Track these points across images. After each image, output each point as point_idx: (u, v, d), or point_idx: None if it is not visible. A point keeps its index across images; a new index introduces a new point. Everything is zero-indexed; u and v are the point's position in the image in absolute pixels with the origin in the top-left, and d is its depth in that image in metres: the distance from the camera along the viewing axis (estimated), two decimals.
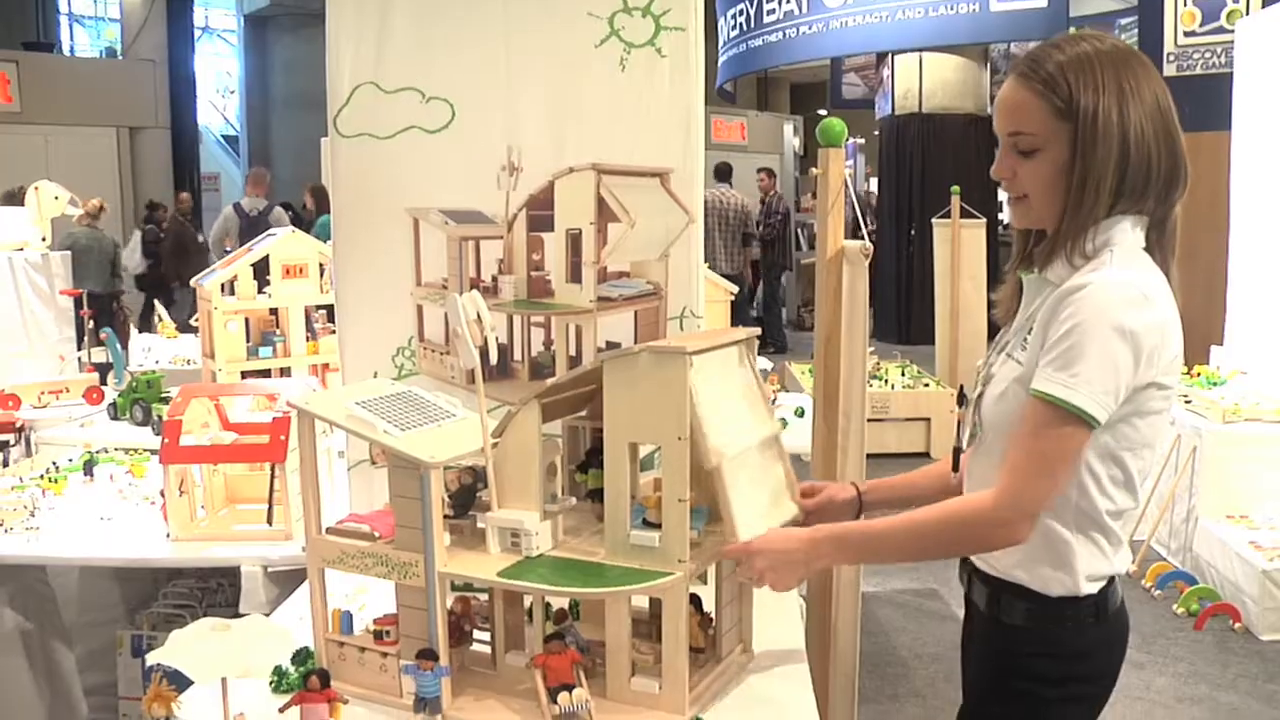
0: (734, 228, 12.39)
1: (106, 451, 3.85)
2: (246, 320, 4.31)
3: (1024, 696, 1.88)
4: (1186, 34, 10.30)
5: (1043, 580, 1.82)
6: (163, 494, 2.96)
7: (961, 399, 1.97)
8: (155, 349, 5.86)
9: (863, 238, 2.59)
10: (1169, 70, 10.23)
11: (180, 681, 1.73)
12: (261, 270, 4.35)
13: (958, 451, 1.98)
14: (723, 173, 12.81)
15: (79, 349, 5.30)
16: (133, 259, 11.55)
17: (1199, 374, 6.13)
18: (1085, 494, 1.77)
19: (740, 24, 15.09)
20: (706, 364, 1.86)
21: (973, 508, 1.78)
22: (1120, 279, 1.69)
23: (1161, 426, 1.79)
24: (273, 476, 2.91)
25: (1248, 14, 8.09)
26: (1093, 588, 1.82)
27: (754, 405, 2.05)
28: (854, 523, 2.04)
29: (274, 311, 4.35)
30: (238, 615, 2.19)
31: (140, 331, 6.09)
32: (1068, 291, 1.70)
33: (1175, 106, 1.77)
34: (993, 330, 2.11)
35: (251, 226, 9.84)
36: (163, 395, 4.20)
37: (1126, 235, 1.75)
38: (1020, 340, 1.82)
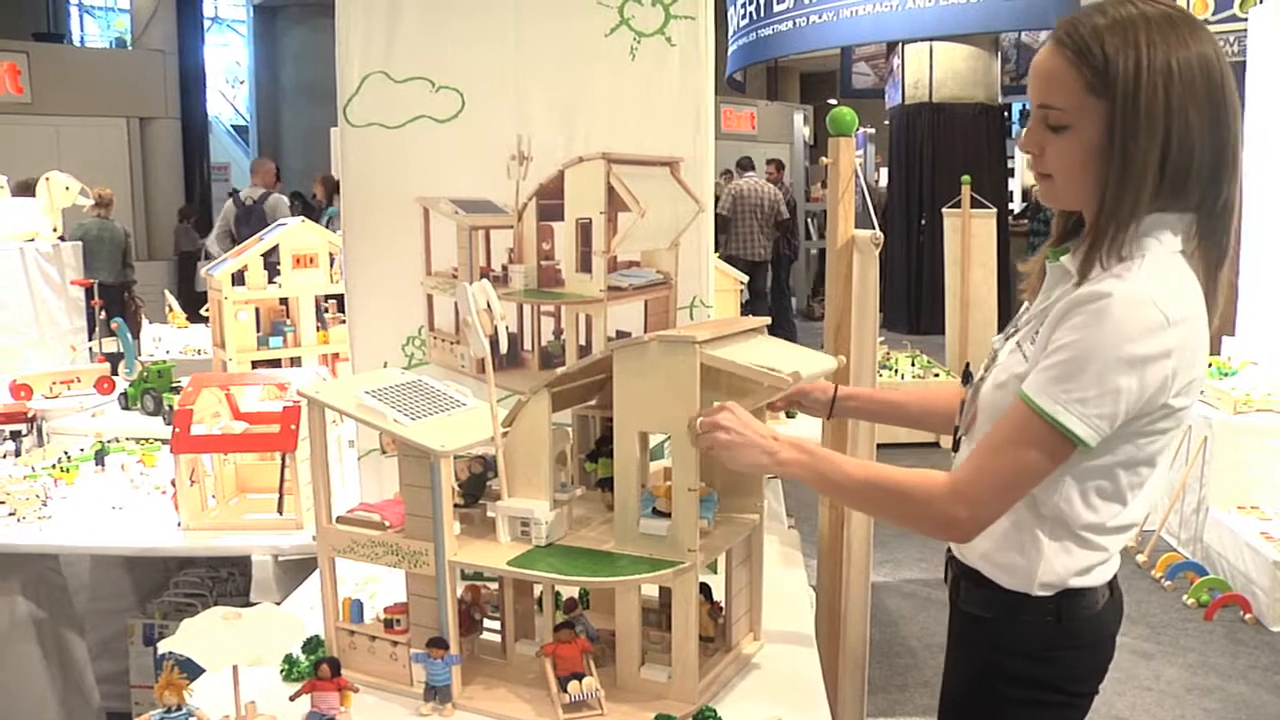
0: (768, 215, 12.43)
1: (118, 441, 3.86)
2: (257, 310, 4.31)
3: (988, 689, 1.83)
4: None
5: (998, 570, 1.77)
6: (174, 483, 2.98)
7: (967, 378, 1.90)
8: (166, 339, 5.88)
9: (873, 226, 2.58)
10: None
11: (192, 670, 1.73)
12: (272, 260, 4.35)
13: (959, 431, 1.90)
14: (745, 165, 12.84)
15: (90, 339, 5.32)
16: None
17: (1210, 364, 6.11)
18: (1068, 501, 1.69)
19: (750, 13, 15.04)
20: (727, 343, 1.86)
21: (930, 494, 1.68)
22: (1142, 296, 1.53)
23: (1166, 445, 1.68)
24: (283, 466, 2.92)
25: (1262, 2, 8.03)
26: (1046, 592, 1.73)
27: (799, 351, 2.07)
28: (828, 451, 1.88)
29: (284, 301, 4.35)
30: (249, 604, 2.19)
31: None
32: (1084, 299, 1.56)
33: (1231, 91, 1.59)
34: (1003, 320, 2.07)
35: (246, 215, 9.82)
36: (174, 385, 4.21)
37: (1164, 238, 1.60)
38: (1031, 331, 1.71)
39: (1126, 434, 1.62)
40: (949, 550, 1.93)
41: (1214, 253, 1.65)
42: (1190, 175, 1.57)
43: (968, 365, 1.92)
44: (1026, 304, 1.84)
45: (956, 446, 1.91)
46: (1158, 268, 1.58)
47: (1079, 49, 1.57)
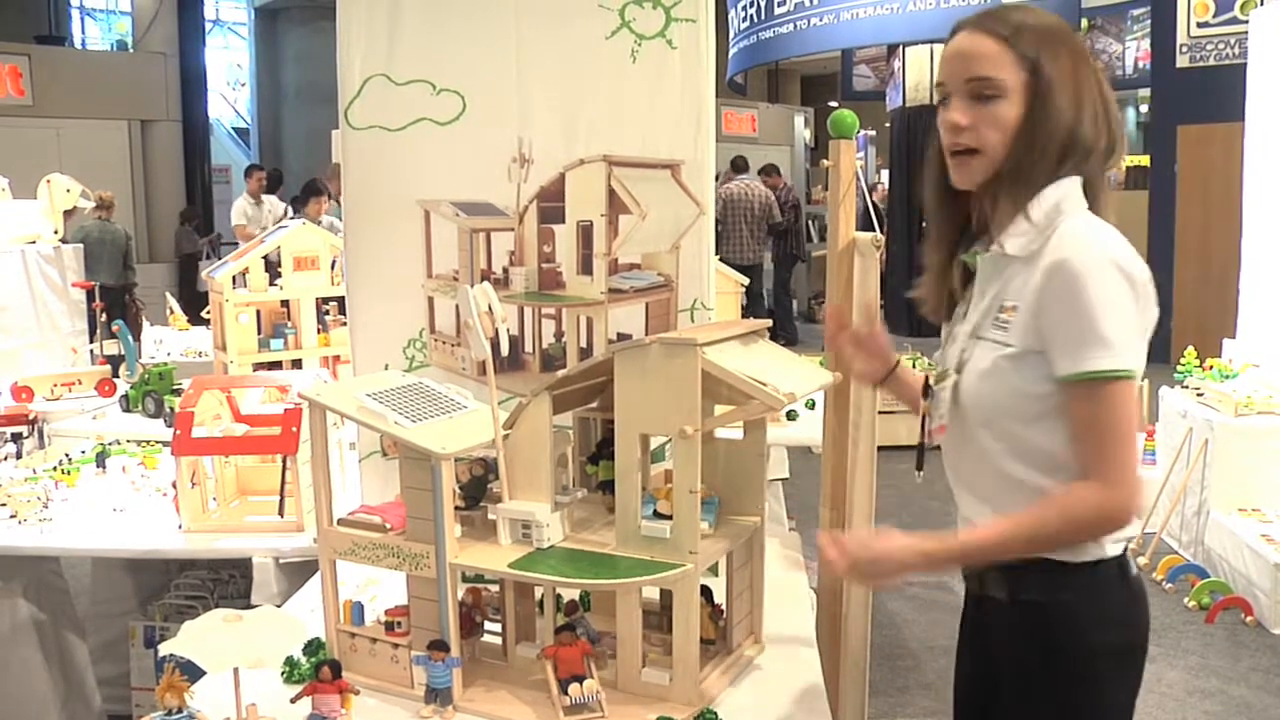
0: (759, 218, 12.42)
1: (119, 443, 3.86)
2: (258, 312, 4.32)
3: (1070, 673, 1.79)
4: (1200, 25, 10.25)
5: (1073, 548, 1.76)
6: (175, 485, 2.97)
7: (927, 392, 1.91)
8: (167, 341, 5.88)
9: (874, 228, 2.58)
10: (1182, 61, 10.18)
11: (193, 672, 1.74)
12: (273, 263, 4.36)
13: (923, 450, 1.93)
14: (740, 166, 12.83)
15: (91, 341, 5.32)
16: None
17: (1211, 367, 6.10)
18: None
19: (751, 16, 15.03)
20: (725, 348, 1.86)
21: (1087, 507, 1.70)
22: (1091, 230, 1.70)
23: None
24: (284, 468, 2.92)
25: (1262, 4, 8.04)
26: (1116, 549, 1.78)
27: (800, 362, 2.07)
28: (961, 539, 1.82)
29: (285, 304, 4.36)
30: (249, 606, 2.20)
31: None
32: (1057, 266, 1.67)
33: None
34: None
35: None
36: (174, 387, 4.21)
37: (1073, 195, 1.75)
38: (992, 321, 1.77)
39: None
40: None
41: (1105, 209, 1.79)
42: (1095, 145, 1.75)
43: (927, 379, 1.91)
44: (959, 309, 1.90)
45: (921, 465, 1.95)
46: (1086, 218, 1.74)
47: (1013, 31, 1.74)
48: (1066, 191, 1.74)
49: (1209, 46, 10.26)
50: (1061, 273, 1.66)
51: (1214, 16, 10.25)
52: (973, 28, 1.79)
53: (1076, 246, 1.67)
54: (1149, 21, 12.05)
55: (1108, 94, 1.77)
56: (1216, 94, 9.13)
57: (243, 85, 23.87)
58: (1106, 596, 1.79)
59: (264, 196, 10.70)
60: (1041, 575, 1.79)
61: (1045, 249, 1.70)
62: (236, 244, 9.28)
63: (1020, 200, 1.73)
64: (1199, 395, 5.82)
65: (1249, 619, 4.91)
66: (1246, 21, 7.51)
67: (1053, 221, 1.72)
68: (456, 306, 2.47)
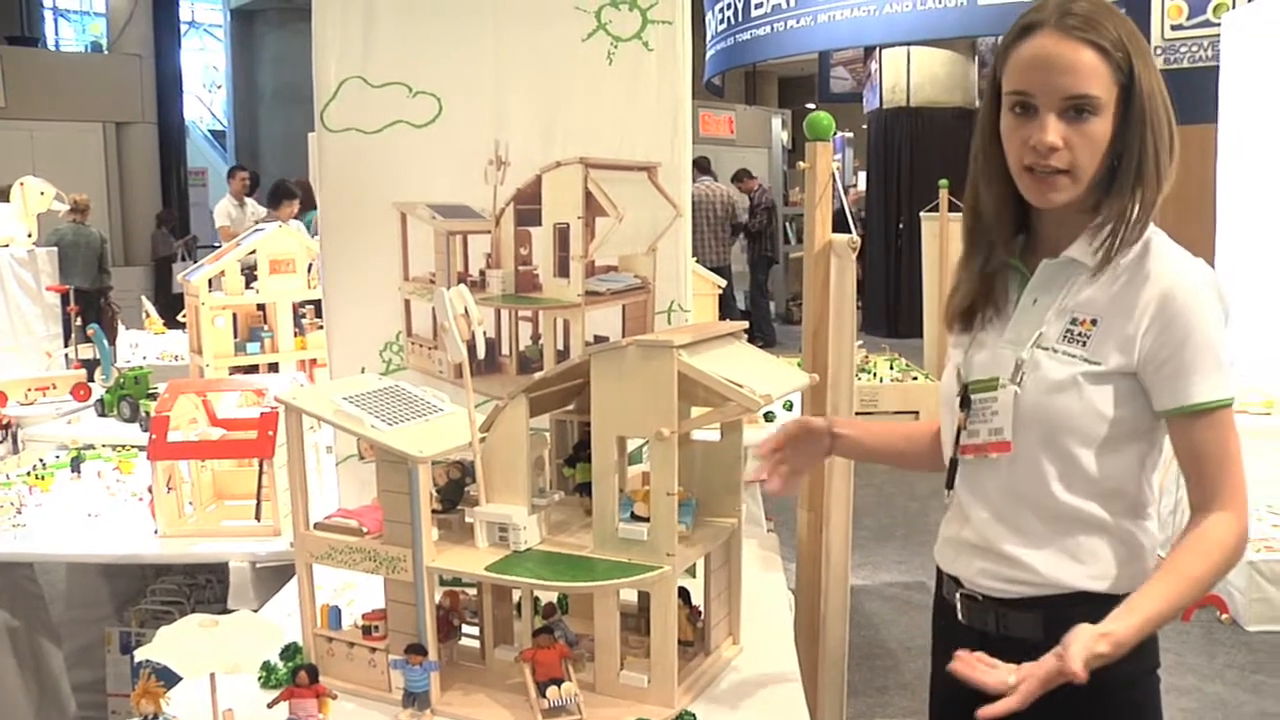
0: (720, 219, 12.42)
1: (94, 448, 3.83)
2: (234, 316, 4.30)
3: (1094, 705, 1.68)
4: (1174, 27, 10.32)
5: (1117, 580, 1.71)
6: (150, 490, 2.96)
7: (966, 402, 1.78)
8: (142, 345, 5.85)
9: (850, 230, 2.59)
10: (1156, 63, 10.24)
11: (169, 678, 1.73)
12: (248, 266, 4.34)
13: (954, 465, 1.81)
14: (702, 166, 12.84)
15: (66, 345, 5.28)
16: None
17: None
18: (1141, 488, 1.73)
19: (728, 18, 15.07)
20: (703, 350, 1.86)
21: (1235, 536, 1.65)
22: (1181, 250, 1.68)
23: None
24: (261, 472, 2.91)
25: (1234, 7, 8.11)
26: (1144, 577, 1.71)
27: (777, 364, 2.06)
28: (1139, 612, 1.64)
29: (261, 307, 4.34)
30: (226, 611, 2.19)
31: None
32: (1170, 291, 1.62)
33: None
34: None
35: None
36: (150, 391, 4.18)
37: (1152, 220, 1.69)
38: (1063, 332, 1.68)
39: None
40: (994, 598, 1.78)
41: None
42: (1166, 161, 1.67)
43: (965, 388, 1.80)
44: (987, 313, 1.79)
45: (952, 483, 1.83)
46: (1166, 239, 1.70)
47: (1107, 37, 1.61)
48: (1140, 206, 1.67)
49: (1182, 49, 10.32)
50: (1176, 299, 1.61)
51: (1187, 19, 10.30)
52: (1063, 32, 1.62)
53: (1180, 269, 1.64)
54: None
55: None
56: (1190, 96, 9.18)
57: (219, 87, 23.76)
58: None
59: (245, 198, 10.67)
60: (1078, 609, 1.67)
61: (1141, 267, 1.65)
62: (213, 246, 9.25)
63: (1116, 216, 1.65)
64: None
65: (1224, 617, 4.95)
66: (1219, 24, 7.56)
67: (1133, 235, 1.66)
68: (433, 309, 2.47)
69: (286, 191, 9.16)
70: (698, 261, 11.54)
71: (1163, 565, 1.65)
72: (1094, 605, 1.65)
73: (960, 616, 1.84)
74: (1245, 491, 1.66)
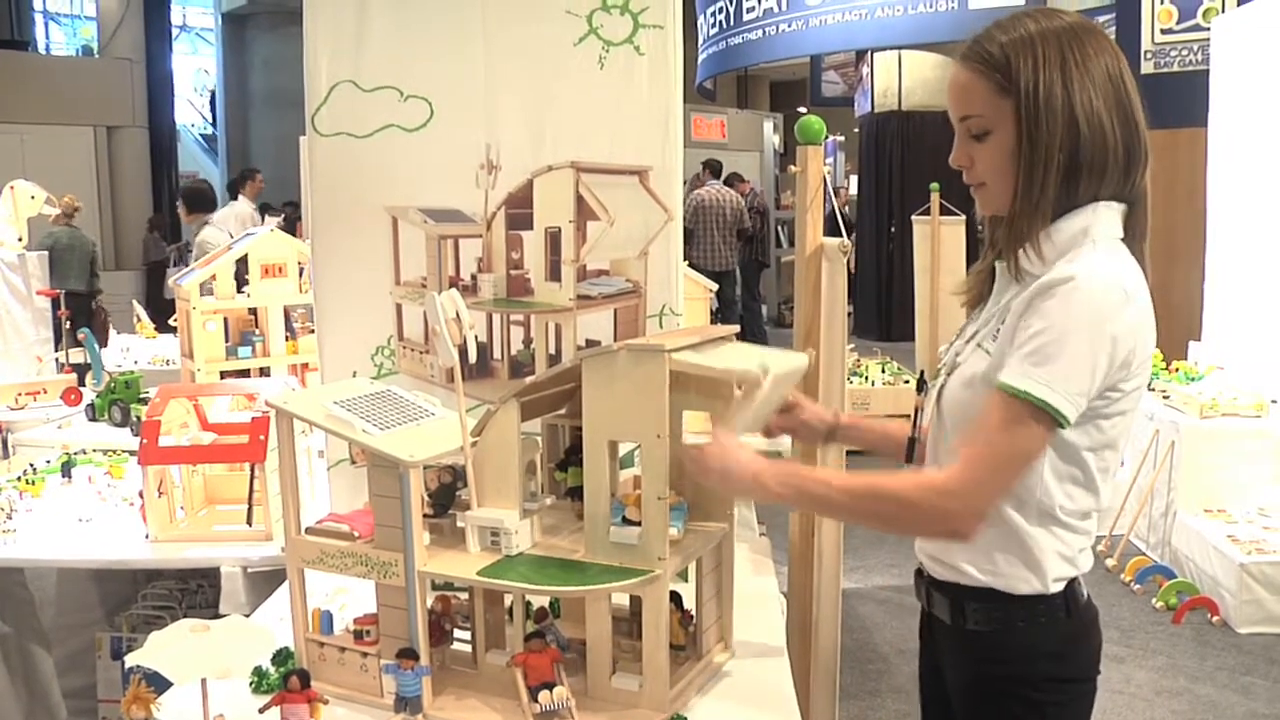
0: (730, 224, 12.44)
1: (85, 453, 3.82)
2: (225, 320, 4.29)
3: (1014, 700, 1.80)
4: (1164, 31, 10.35)
5: (1009, 580, 1.77)
6: (141, 495, 2.95)
7: (921, 385, 1.90)
8: (134, 349, 5.84)
9: (841, 234, 2.59)
10: (1147, 67, 10.28)
11: (160, 683, 1.72)
12: (240, 269, 4.33)
13: (913, 443, 1.92)
14: (714, 170, 12.86)
15: (56, 349, 5.27)
16: None
17: (1177, 369, 6.16)
18: (1048, 492, 1.72)
19: (720, 21, 15.09)
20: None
21: (924, 493, 1.69)
22: (1104, 275, 1.62)
23: (1126, 427, 1.74)
24: (252, 477, 2.90)
25: (1224, 12, 8.13)
26: (1059, 586, 1.77)
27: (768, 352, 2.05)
28: (813, 471, 1.89)
29: (253, 311, 4.33)
30: (217, 616, 2.18)
31: None
32: (1050, 284, 1.62)
33: (1136, 81, 1.71)
34: None
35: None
36: (141, 396, 4.18)
37: (1105, 223, 1.69)
38: (992, 331, 1.75)
39: (1090, 415, 1.68)
40: (931, 578, 1.90)
41: (1140, 239, 1.76)
42: (1107, 159, 1.67)
43: (922, 372, 1.91)
44: (979, 308, 1.88)
45: (911, 457, 1.92)
46: (1109, 251, 1.68)
47: (986, 59, 1.70)
48: (1098, 219, 1.69)
49: (1173, 53, 10.35)
50: (1053, 294, 1.62)
51: (1177, 23, 10.34)
52: (959, 58, 1.75)
53: (1076, 270, 1.62)
54: (1114, 28, 12.15)
55: (1119, 99, 1.68)
56: (1181, 99, 9.22)
57: (210, 90, 23.72)
58: (1048, 630, 1.79)
59: (231, 203, 10.56)
60: (982, 605, 1.80)
61: (1056, 268, 1.65)
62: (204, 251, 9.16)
63: (1030, 228, 1.68)
64: (1165, 398, 5.88)
65: (1215, 619, 4.97)
66: (1209, 29, 7.59)
67: (1079, 244, 1.67)
68: (424, 313, 2.47)
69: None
70: (705, 265, 11.51)
71: (863, 475, 1.76)
72: (992, 600, 1.79)
73: (920, 602, 1.97)
74: (980, 485, 1.65)
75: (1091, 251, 1.66)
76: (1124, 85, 1.69)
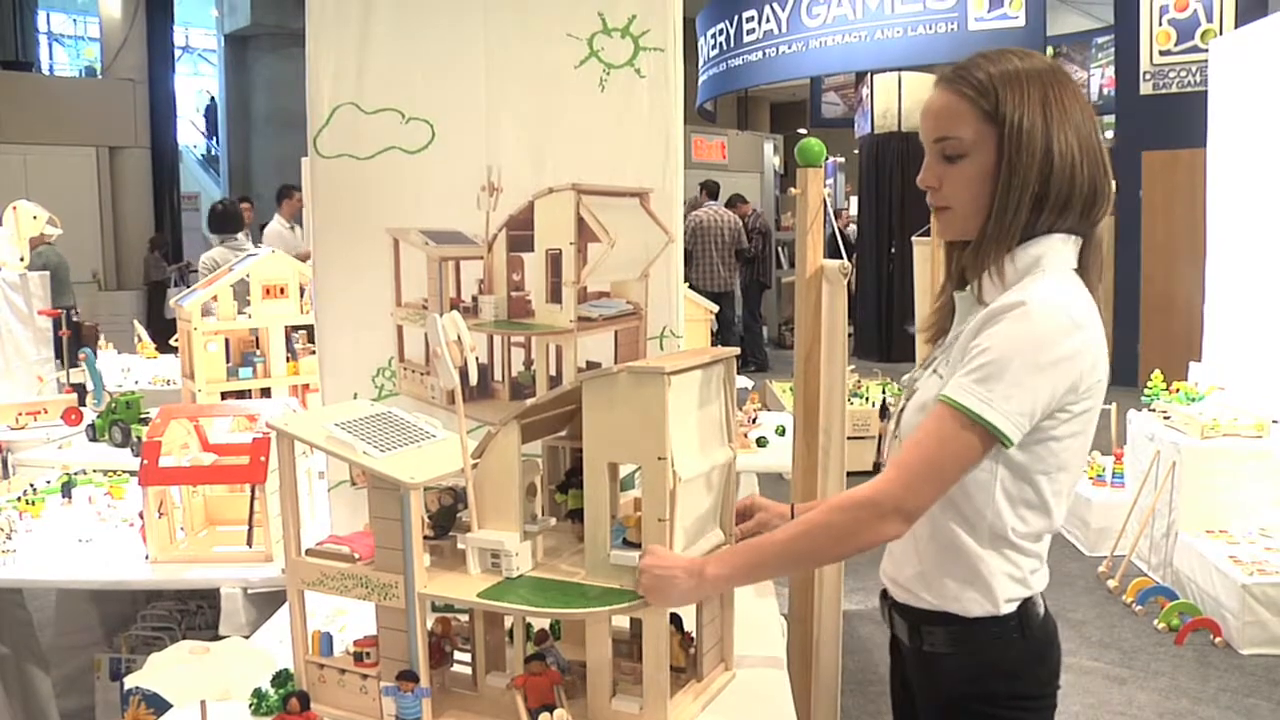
0: (728, 245, 12.47)
1: (85, 473, 3.82)
2: (226, 341, 4.30)
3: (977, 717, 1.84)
4: (1162, 53, 10.40)
5: (962, 603, 1.80)
6: (141, 515, 2.95)
7: (884, 413, 1.96)
8: (134, 369, 5.84)
9: (842, 255, 2.60)
10: (1145, 88, 10.33)
11: (159, 705, 1.72)
12: (242, 291, 4.34)
13: (878, 467, 1.91)
14: (711, 191, 12.90)
15: (57, 369, 5.27)
16: None
17: (1178, 390, 6.16)
18: (999, 515, 1.75)
19: (720, 43, 15.16)
20: (682, 384, 1.86)
21: (844, 511, 1.72)
22: (1053, 301, 1.67)
23: (1079, 449, 1.77)
24: (253, 498, 2.90)
25: (1221, 34, 8.18)
26: (1011, 607, 1.80)
27: (719, 429, 2.04)
28: (748, 542, 1.90)
29: (254, 332, 4.34)
30: (217, 637, 2.18)
31: None
32: (1001, 309, 1.67)
33: (1098, 130, 1.78)
34: None
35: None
36: (142, 416, 4.18)
37: (1059, 253, 1.74)
38: (947, 357, 1.80)
39: (1041, 438, 1.71)
40: (893, 601, 1.93)
41: (1093, 271, 1.80)
42: (1073, 194, 1.72)
43: (884, 400, 1.94)
44: (941, 341, 1.92)
45: None
46: (1061, 279, 1.72)
47: (975, 86, 1.75)
48: (1053, 249, 1.74)
49: (1171, 74, 10.41)
50: (1002, 318, 1.67)
51: (1175, 45, 10.40)
52: (942, 83, 1.81)
53: (1031, 304, 1.66)
54: (1113, 49, 12.20)
55: (1090, 144, 1.74)
56: (1179, 120, 9.26)
57: (212, 111, 23.78)
58: (1003, 651, 1.82)
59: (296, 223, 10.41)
60: (937, 627, 1.84)
61: (1007, 294, 1.70)
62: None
63: (997, 253, 1.74)
64: (1166, 418, 5.88)
65: (1218, 640, 4.95)
66: (1207, 50, 7.63)
67: (1031, 271, 1.72)
68: (425, 335, 2.47)
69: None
70: (704, 286, 11.51)
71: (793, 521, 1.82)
72: (947, 624, 1.82)
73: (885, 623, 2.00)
74: (908, 489, 1.67)
75: (1043, 278, 1.71)
76: (1094, 133, 1.76)
